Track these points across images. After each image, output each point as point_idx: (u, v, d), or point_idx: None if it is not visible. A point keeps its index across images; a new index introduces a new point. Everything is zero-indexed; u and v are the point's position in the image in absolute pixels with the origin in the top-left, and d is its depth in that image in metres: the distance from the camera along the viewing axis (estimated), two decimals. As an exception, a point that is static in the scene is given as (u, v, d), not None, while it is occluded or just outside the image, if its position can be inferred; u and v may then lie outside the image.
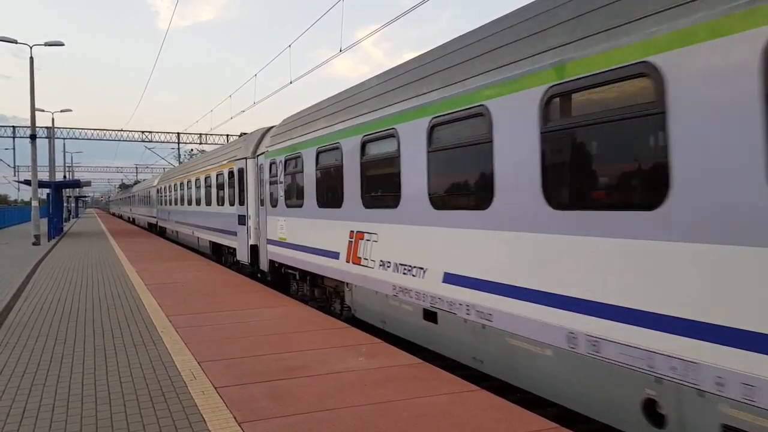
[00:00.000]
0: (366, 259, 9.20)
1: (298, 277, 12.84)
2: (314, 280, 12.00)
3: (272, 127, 15.65)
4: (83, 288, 13.85)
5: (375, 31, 16.03)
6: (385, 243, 8.63)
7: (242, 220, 16.33)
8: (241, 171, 16.53)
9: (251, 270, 16.18)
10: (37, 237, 28.47)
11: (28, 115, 29.85)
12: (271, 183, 13.97)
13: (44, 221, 36.07)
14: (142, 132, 57.64)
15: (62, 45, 29.84)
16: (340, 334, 8.58)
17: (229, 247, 18.68)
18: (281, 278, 14.24)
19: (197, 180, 23.44)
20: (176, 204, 29.60)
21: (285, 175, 12.83)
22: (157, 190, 38.38)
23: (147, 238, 32.59)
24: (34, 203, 29.66)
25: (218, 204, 19.51)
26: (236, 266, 18.14)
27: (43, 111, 44.05)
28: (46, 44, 29.63)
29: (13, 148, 54.02)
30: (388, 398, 5.80)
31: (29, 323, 9.88)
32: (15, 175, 57.61)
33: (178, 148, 60.85)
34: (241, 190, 16.45)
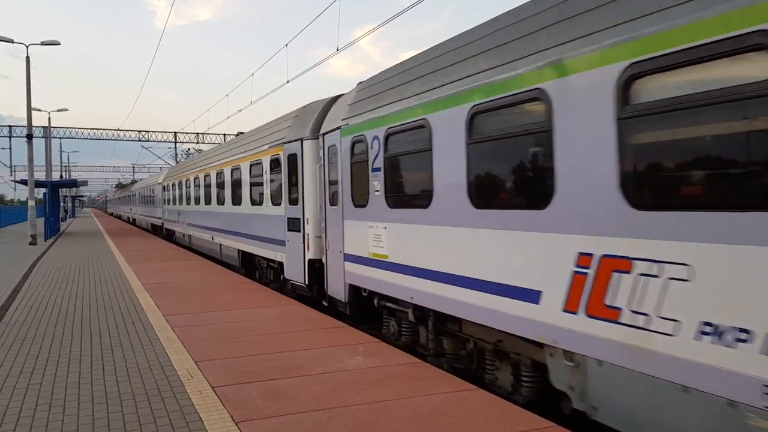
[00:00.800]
0: (642, 314, 4.60)
1: (412, 316, 8.26)
2: (442, 322, 7.82)
3: (340, 95, 11.51)
4: (80, 287, 13.82)
5: (372, 30, 16.03)
6: (726, 285, 4.07)
7: (295, 224, 12.15)
8: (292, 158, 12.33)
9: (309, 295, 11.84)
10: (33, 237, 28.41)
11: (24, 115, 29.69)
12: (354, 172, 9.54)
13: (41, 221, 36.02)
14: (139, 131, 57.53)
15: (59, 44, 29.78)
16: (337, 334, 8.58)
17: (269, 261, 14.39)
18: (368, 310, 9.90)
19: (220, 173, 19.11)
20: (189, 203, 24.93)
21: (386, 157, 8.44)
22: (164, 187, 33.42)
23: (145, 238, 32.53)
24: (31, 203, 29.60)
25: (253, 203, 15.30)
26: (278, 284, 14.03)
27: (39, 110, 43.98)
28: (43, 44, 29.55)
29: (10, 148, 53.84)
30: (385, 397, 5.80)
31: (26, 323, 9.86)
32: (11, 175, 57.45)
33: (175, 148, 60.83)
34: (293, 184, 12.27)
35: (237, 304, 11.22)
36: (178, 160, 59.83)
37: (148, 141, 58.24)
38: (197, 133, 58.43)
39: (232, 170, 17.56)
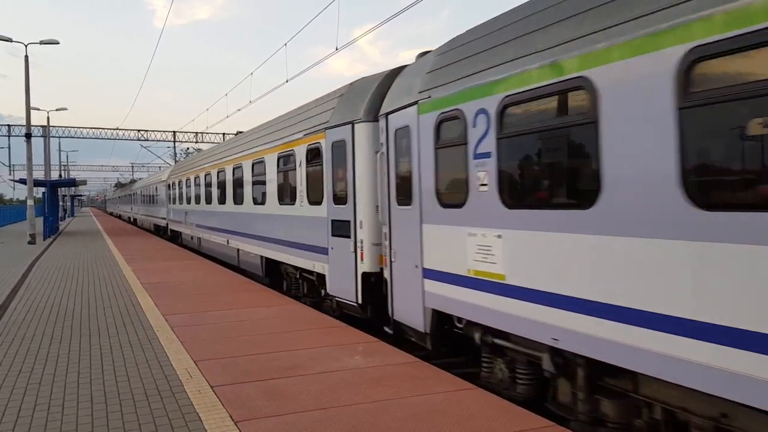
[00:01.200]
0: None
1: (549, 364, 5.81)
2: (598, 375, 5.44)
3: (402, 67, 9.35)
4: (79, 287, 13.82)
5: (372, 29, 16.02)
6: None
7: (342, 228, 9.98)
8: (338, 146, 10.10)
9: (363, 317, 9.59)
10: (32, 236, 28.41)
11: (23, 114, 29.64)
12: (441, 160, 7.22)
13: (40, 220, 36.01)
14: (138, 131, 57.54)
15: (57, 43, 29.75)
16: (336, 333, 8.58)
17: (304, 271, 12.12)
18: (455, 344, 7.74)
19: (237, 168, 16.75)
20: (199, 202, 22.49)
21: (503, 138, 6.08)
22: (169, 185, 30.90)
23: (145, 238, 32.52)
24: (30, 202, 29.58)
25: (283, 202, 13.01)
26: (315, 299, 11.85)
27: (38, 110, 43.98)
28: (41, 43, 29.52)
29: (9, 147, 53.95)
30: (384, 397, 5.81)
31: (25, 322, 9.86)
32: (10, 174, 57.52)
33: (174, 147, 60.80)
34: (339, 179, 10.11)
35: (236, 303, 11.22)
36: (177, 159, 59.81)
37: (147, 140, 58.26)
38: (196, 133, 58.45)
39: (253, 164, 15.19)
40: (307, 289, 12.30)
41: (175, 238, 29.66)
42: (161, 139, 58.66)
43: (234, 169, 17.16)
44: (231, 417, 5.35)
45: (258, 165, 14.78)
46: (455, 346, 7.75)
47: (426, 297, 7.59)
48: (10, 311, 10.96)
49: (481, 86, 6.43)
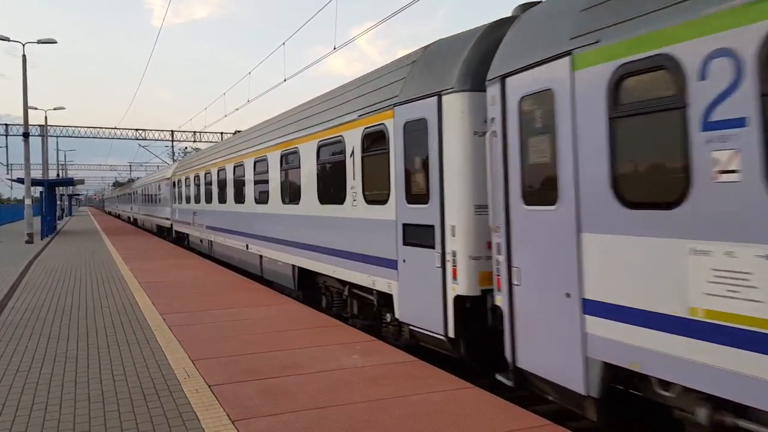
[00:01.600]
0: None
1: None
2: None
3: (508, 18, 7.12)
4: (76, 286, 13.80)
5: (370, 29, 16.02)
6: None
7: (421, 235, 7.65)
8: (415, 128, 7.76)
9: (455, 356, 7.27)
10: (30, 235, 28.36)
11: (21, 113, 29.62)
12: (622, 137, 4.87)
13: (37, 219, 35.96)
14: (136, 130, 57.50)
15: (55, 43, 29.71)
16: (334, 332, 8.57)
17: (357, 288, 9.77)
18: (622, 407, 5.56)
19: (261, 161, 14.31)
20: (211, 201, 20.04)
21: None
22: (174, 182, 28.26)
23: (144, 238, 32.46)
24: (27, 201, 29.55)
25: (325, 200, 10.68)
26: (368, 322, 9.70)
27: (36, 109, 43.99)
28: (39, 42, 29.49)
29: (6, 146, 53.85)
30: (382, 396, 5.80)
31: (22, 322, 9.84)
32: (8, 173, 57.51)
33: (172, 146, 60.79)
34: (416, 170, 7.81)
35: (235, 303, 11.21)
36: (175, 158, 59.80)
37: (145, 140, 58.24)
38: (194, 132, 58.44)
39: (282, 156, 12.80)
40: (359, 309, 10.01)
41: (180, 239, 27.57)
42: (159, 138, 58.66)
43: (256, 163, 14.70)
44: (228, 416, 5.34)
45: (289, 157, 12.43)
46: (620, 410, 5.53)
47: (590, 343, 5.19)
48: (7, 310, 10.93)
49: (719, 13, 4.04)
